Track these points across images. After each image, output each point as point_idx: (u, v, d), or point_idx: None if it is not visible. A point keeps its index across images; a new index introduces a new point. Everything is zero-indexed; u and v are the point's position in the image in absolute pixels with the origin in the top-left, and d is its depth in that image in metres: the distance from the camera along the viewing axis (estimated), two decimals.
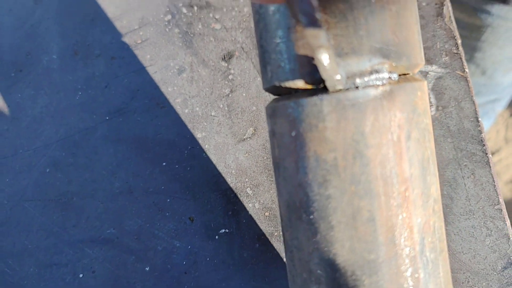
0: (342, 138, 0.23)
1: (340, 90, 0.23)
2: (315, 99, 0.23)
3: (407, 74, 0.26)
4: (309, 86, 0.24)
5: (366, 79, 0.23)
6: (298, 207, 0.25)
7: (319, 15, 0.19)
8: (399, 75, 0.25)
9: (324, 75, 0.22)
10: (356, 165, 0.23)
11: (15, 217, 0.46)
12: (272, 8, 0.24)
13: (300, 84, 0.24)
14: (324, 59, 0.21)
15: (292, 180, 0.25)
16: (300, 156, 0.24)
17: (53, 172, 0.47)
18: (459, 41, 0.45)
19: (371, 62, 0.23)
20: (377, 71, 0.23)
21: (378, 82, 0.23)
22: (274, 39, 0.24)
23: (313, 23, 0.19)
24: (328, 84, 0.23)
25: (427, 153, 0.25)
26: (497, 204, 0.42)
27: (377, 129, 0.23)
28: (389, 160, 0.23)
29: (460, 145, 0.43)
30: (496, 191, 0.42)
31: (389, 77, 0.23)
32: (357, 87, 0.23)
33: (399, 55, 0.23)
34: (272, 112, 0.26)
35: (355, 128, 0.22)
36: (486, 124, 1.01)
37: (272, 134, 0.26)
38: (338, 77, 0.22)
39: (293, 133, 0.24)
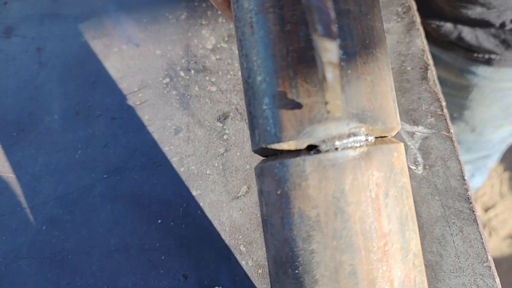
0: (323, 195, 0.25)
1: (321, 151, 0.25)
2: (298, 159, 0.25)
3: (385, 137, 0.28)
4: (293, 148, 0.27)
5: (344, 141, 0.25)
6: (285, 262, 0.27)
7: (335, 27, 0.20)
8: (376, 137, 0.27)
9: (327, 96, 0.23)
10: (337, 221, 0.25)
11: (9, 276, 0.47)
12: (259, 78, 0.27)
13: (284, 146, 0.27)
14: (330, 76, 0.22)
15: (279, 236, 0.27)
16: (285, 213, 0.26)
17: (50, 230, 0.48)
18: (444, 103, 0.49)
19: (349, 126, 0.26)
20: (354, 134, 0.26)
21: (356, 144, 0.26)
22: (261, 105, 0.27)
23: (329, 34, 0.20)
24: (329, 108, 0.24)
25: (405, 210, 0.27)
26: (486, 262, 0.43)
27: (356, 187, 0.25)
28: (368, 216, 0.25)
29: (447, 203, 0.45)
30: (484, 248, 0.44)
31: (366, 140, 0.26)
32: (336, 149, 0.25)
33: (374, 120, 0.26)
34: (260, 172, 0.28)
35: (336, 186, 0.25)
36: (479, 180, 1.04)
37: (261, 192, 0.29)
38: (339, 101, 0.23)
39: (279, 191, 0.26)
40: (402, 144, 0.28)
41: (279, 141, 0.26)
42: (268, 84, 0.27)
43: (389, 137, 0.29)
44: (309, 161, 0.25)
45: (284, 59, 0.27)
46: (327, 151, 0.25)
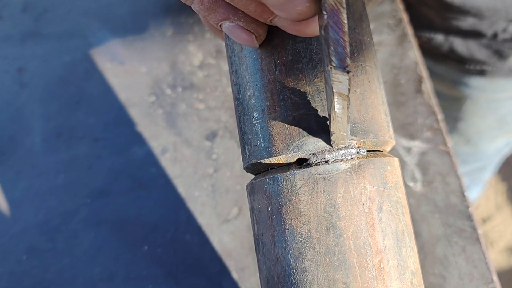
0: (315, 210, 0.25)
1: (311, 164, 0.26)
2: (288, 174, 0.26)
3: (379, 151, 0.29)
4: (283, 162, 0.27)
5: (335, 154, 0.26)
6: (277, 282, 0.27)
7: (349, 61, 0.22)
8: (369, 151, 0.28)
9: (333, 126, 0.25)
10: (329, 236, 0.25)
11: None
12: (248, 93, 0.28)
13: (274, 160, 0.27)
14: (339, 107, 0.24)
15: (270, 255, 0.27)
16: (276, 230, 0.27)
17: (30, 259, 0.48)
18: (439, 117, 0.50)
19: None
20: (345, 147, 0.26)
21: (347, 157, 0.26)
22: (251, 120, 0.28)
23: (343, 67, 0.22)
24: (334, 137, 0.25)
25: (401, 226, 0.27)
26: (491, 283, 0.44)
27: (348, 201, 0.25)
28: (362, 231, 0.25)
29: (448, 221, 0.46)
30: (488, 268, 0.44)
31: (358, 152, 0.26)
32: (327, 162, 0.26)
33: (366, 132, 0.27)
34: (251, 190, 0.29)
35: (327, 200, 0.25)
36: (475, 192, 1.05)
37: (252, 211, 0.29)
38: (344, 132, 0.25)
39: (270, 208, 0.27)
40: (396, 159, 0.29)
41: (269, 155, 0.27)
42: (257, 98, 0.28)
43: (383, 152, 0.29)
44: (299, 175, 0.26)
45: (271, 72, 0.28)
46: (317, 164, 0.26)
